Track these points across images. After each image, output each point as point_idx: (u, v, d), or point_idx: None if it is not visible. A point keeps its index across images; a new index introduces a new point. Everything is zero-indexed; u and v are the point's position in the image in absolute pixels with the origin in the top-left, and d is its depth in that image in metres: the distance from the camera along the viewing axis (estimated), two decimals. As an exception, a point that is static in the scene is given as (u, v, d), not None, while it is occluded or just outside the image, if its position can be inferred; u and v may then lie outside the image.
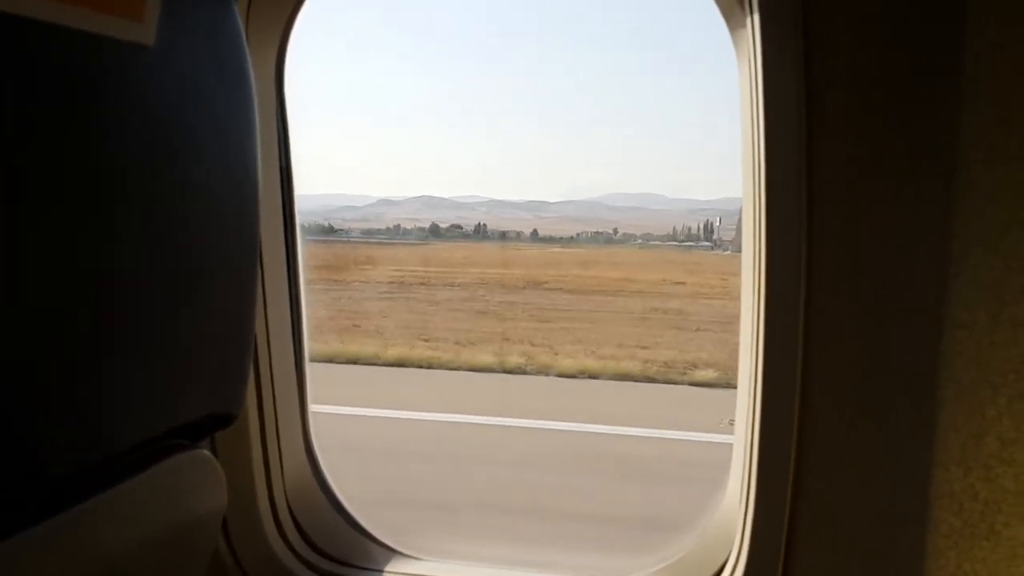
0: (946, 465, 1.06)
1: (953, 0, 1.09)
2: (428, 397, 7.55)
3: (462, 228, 12.65)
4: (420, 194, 13.16)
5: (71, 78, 0.71)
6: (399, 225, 12.67)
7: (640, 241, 12.34)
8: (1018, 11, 1.01)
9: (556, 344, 9.12)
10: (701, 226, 11.81)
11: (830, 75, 1.22)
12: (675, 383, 7.95)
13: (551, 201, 13.17)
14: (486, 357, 8.71)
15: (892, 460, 1.25)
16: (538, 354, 8.80)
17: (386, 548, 1.68)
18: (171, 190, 0.84)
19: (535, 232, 12.56)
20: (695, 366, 8.17)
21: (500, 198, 13.31)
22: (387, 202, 13.01)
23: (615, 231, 12.55)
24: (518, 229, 12.76)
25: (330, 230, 11.71)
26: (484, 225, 12.62)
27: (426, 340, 9.33)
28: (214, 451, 1.48)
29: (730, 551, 1.44)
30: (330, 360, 8.29)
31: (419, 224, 12.66)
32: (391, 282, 11.46)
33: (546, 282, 11.35)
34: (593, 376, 8.15)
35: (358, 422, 6.31)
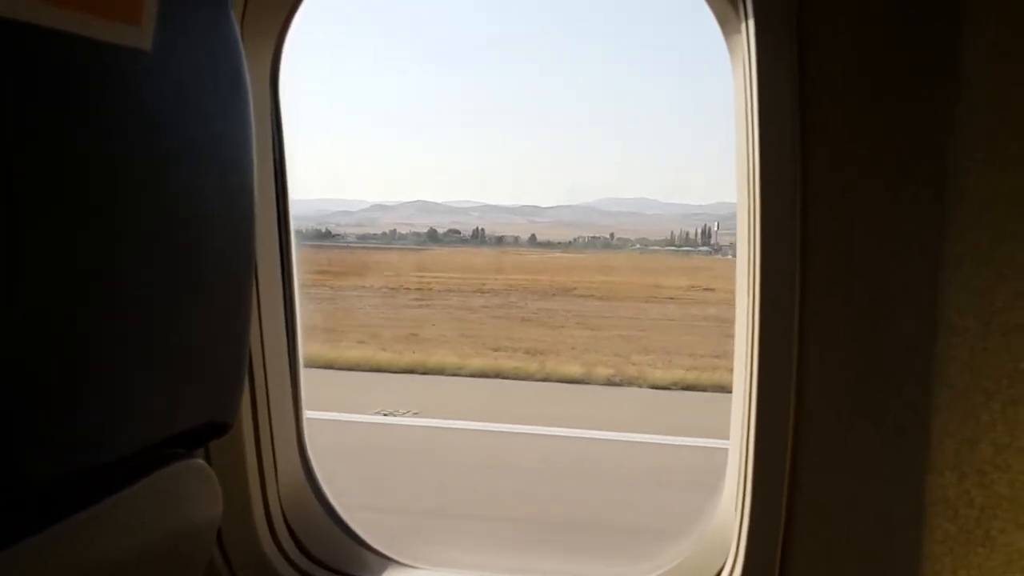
0: (941, 470, 1.06)
1: (950, 0, 1.08)
2: (572, 413, 7.14)
3: (459, 233, 12.62)
4: (414, 199, 13.14)
5: (69, 82, 0.71)
6: (395, 230, 12.65)
7: (638, 246, 12.32)
8: (1018, 11, 1.00)
9: (623, 353, 8.84)
10: (699, 231, 11.79)
11: (824, 79, 1.22)
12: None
13: (545, 206, 13.16)
14: (571, 367, 8.45)
15: (888, 464, 1.25)
16: (619, 364, 8.51)
17: (381, 556, 1.67)
18: (167, 195, 0.84)
19: (533, 237, 12.54)
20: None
21: (494, 203, 13.30)
22: (381, 207, 12.96)
23: (611, 236, 12.55)
24: (514, 234, 12.74)
25: (327, 235, 11.69)
26: (482, 230, 12.60)
27: (495, 349, 9.12)
28: (208, 459, 1.47)
29: (727, 556, 1.44)
30: (411, 371, 8.07)
31: (414, 229, 12.64)
32: (419, 288, 11.28)
33: (575, 288, 11.17)
34: (688, 388, 7.79)
35: (553, 442, 6.02)
